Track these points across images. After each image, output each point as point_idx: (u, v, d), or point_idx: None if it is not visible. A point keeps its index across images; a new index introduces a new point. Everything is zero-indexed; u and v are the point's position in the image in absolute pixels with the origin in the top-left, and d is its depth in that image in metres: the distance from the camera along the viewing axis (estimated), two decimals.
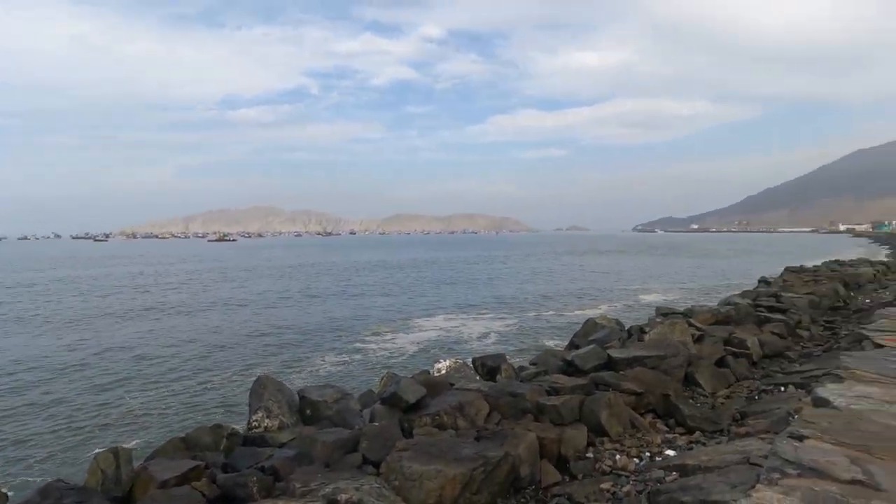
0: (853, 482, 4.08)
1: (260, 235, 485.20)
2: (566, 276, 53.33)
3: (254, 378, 9.93)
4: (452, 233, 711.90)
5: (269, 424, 8.26)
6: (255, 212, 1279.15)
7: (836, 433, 4.96)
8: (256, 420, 8.37)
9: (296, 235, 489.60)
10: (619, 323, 17.00)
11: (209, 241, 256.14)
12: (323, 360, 18.77)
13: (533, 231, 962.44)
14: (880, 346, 8.33)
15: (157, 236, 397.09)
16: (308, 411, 8.91)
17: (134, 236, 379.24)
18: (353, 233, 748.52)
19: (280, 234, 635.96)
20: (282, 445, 7.37)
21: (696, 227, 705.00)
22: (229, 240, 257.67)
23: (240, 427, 9.06)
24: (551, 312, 29.33)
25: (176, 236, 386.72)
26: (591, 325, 16.28)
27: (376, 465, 6.43)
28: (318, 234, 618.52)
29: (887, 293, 19.92)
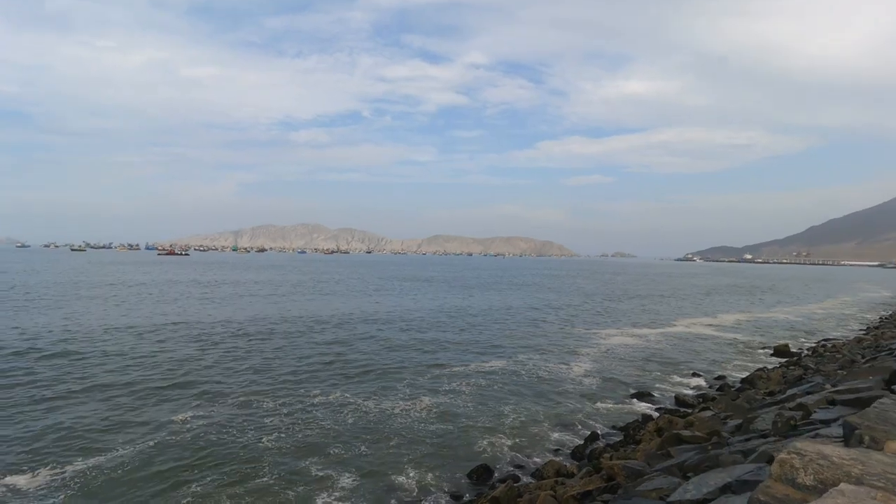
0: None
1: (262, 250, 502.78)
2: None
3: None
4: (496, 256, 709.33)
5: None
6: (301, 228, 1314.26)
7: None
8: None
9: (300, 253, 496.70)
10: None
11: (158, 254, 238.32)
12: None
13: (576, 256, 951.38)
14: None
15: (106, 247, 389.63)
16: None
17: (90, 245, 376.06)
18: (400, 252, 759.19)
19: (284, 250, 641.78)
20: None
21: (749, 256, 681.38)
22: (179, 253, 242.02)
23: None
24: None
25: (134, 247, 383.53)
26: None
27: None
28: (334, 252, 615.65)
29: None
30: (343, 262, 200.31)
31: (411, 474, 12.03)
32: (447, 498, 11.11)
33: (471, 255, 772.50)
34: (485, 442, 14.09)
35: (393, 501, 10.87)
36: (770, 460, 6.87)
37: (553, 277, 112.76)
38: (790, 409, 11.47)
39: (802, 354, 26.95)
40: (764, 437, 9.05)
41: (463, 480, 11.92)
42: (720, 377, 22.34)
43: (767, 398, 15.64)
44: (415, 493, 11.24)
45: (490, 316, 40.44)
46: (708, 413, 15.05)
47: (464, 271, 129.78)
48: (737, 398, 17.41)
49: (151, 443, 13.12)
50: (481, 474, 12.20)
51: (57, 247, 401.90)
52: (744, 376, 21.54)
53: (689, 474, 7.72)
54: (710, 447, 9.51)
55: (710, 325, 39.60)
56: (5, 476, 11.21)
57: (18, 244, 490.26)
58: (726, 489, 6.03)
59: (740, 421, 11.73)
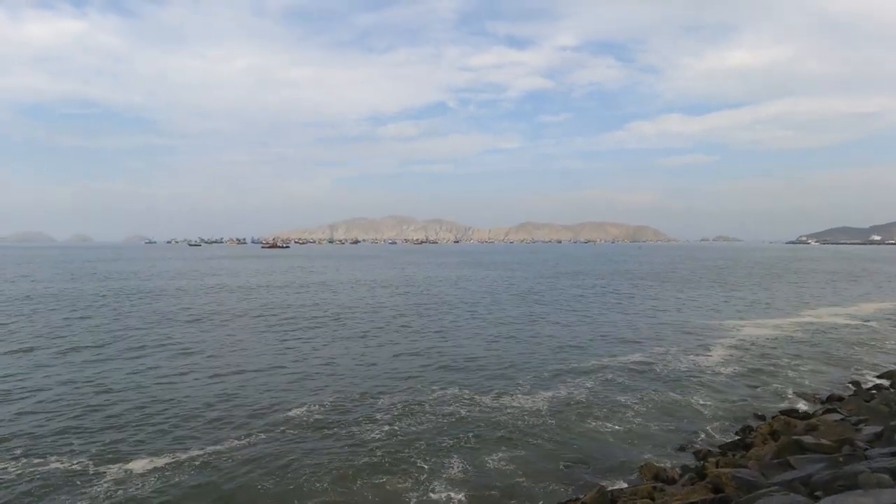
0: None
1: (356, 241, 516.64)
2: None
3: None
4: (587, 242, 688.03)
5: None
6: (391, 220, 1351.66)
7: None
8: None
9: (390, 243, 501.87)
10: None
11: (262, 247, 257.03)
12: None
13: (672, 241, 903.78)
14: None
15: (218, 242, 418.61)
16: None
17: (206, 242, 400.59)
18: (487, 241, 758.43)
19: (376, 242, 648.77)
20: None
21: (877, 238, 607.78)
22: (281, 246, 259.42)
23: None
24: None
25: (241, 241, 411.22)
26: None
27: None
28: (423, 242, 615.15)
29: None
30: (433, 252, 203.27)
31: (509, 469, 11.61)
32: (540, 498, 10.44)
33: (560, 242, 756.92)
34: (590, 437, 13.40)
35: (482, 495, 10.43)
36: None
37: (652, 265, 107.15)
38: None
39: None
40: None
41: (560, 478, 11.25)
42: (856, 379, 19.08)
43: None
44: (508, 490, 10.70)
45: (602, 307, 38.98)
46: (835, 416, 13.16)
47: (559, 263, 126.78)
48: (871, 399, 15.18)
49: (265, 434, 13.39)
50: (577, 471, 11.42)
51: (177, 242, 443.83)
52: (882, 373, 18.75)
53: (817, 493, 6.52)
54: (841, 459, 8.09)
55: (844, 314, 35.19)
56: (129, 461, 11.73)
57: (146, 241, 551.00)
58: None
59: (880, 429, 9.98)
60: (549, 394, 16.69)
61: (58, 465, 11.58)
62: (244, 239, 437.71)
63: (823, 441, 10.13)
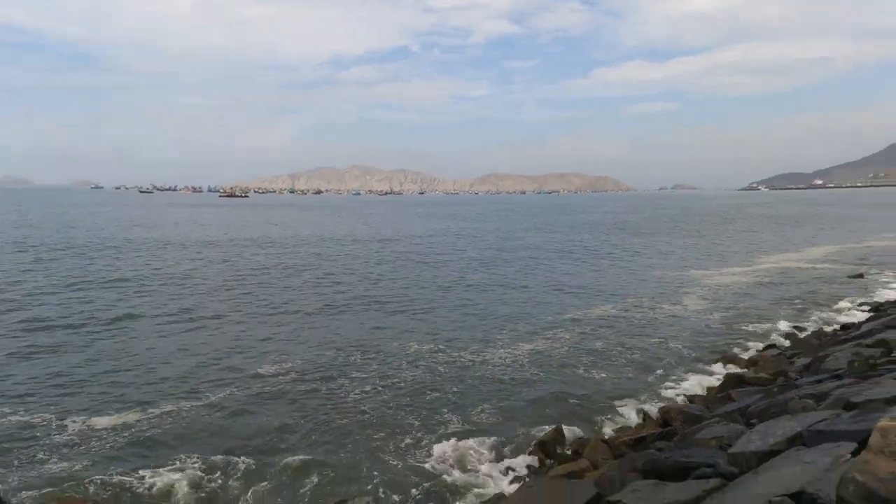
0: None
1: (319, 192, 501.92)
2: None
3: None
4: (551, 193, 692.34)
5: None
6: (356, 170, 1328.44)
7: None
8: None
9: (354, 194, 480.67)
10: None
11: (220, 196, 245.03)
12: None
13: (632, 190, 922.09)
14: None
15: (171, 189, 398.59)
16: None
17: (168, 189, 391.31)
18: (452, 192, 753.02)
19: (340, 192, 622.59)
20: None
21: (819, 182, 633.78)
22: (240, 195, 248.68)
23: None
24: None
25: (198, 190, 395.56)
26: None
27: None
28: (388, 193, 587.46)
29: None
30: (398, 203, 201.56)
31: (494, 419, 11.77)
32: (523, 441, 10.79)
33: (524, 192, 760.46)
34: (571, 384, 13.72)
35: (439, 450, 10.32)
36: (848, 406, 6.23)
37: (615, 214, 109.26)
38: (868, 345, 10.56)
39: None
40: (838, 378, 8.32)
41: (541, 422, 11.48)
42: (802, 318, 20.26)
43: (841, 333, 14.58)
44: (492, 436, 10.88)
45: (571, 259, 40.26)
46: (773, 351, 14.23)
47: (524, 215, 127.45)
48: (803, 332, 16.43)
49: (239, 390, 13.19)
50: (556, 415, 11.73)
51: (127, 189, 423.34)
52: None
53: (752, 421, 7.19)
54: (776, 390, 8.87)
55: (796, 259, 36.99)
56: (91, 417, 11.51)
57: (93, 185, 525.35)
58: (796, 440, 5.48)
59: (809, 360, 10.92)
60: (529, 346, 16.97)
61: (16, 417, 11.35)
62: (200, 187, 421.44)
63: (762, 375, 11.04)
